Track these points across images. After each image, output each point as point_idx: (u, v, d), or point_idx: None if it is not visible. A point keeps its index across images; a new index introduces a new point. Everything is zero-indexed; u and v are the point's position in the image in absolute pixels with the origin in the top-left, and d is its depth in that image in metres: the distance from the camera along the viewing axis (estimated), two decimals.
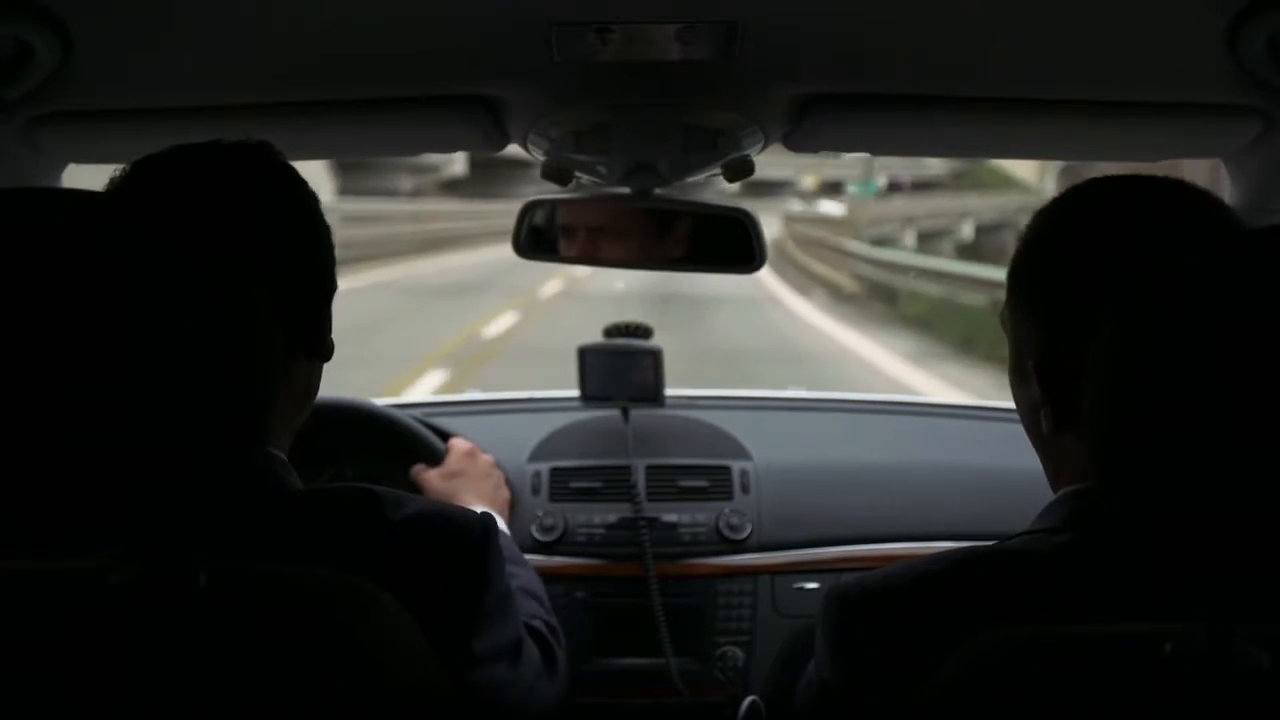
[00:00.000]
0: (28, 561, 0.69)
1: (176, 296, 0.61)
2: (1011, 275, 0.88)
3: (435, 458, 1.52)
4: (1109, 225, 0.83)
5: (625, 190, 1.29)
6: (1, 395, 0.58)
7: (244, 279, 0.65)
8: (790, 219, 29.22)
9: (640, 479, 1.65)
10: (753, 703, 1.40)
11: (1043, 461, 0.89)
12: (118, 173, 0.90)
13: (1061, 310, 0.82)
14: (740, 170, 1.24)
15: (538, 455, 1.72)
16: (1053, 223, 0.87)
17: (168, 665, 0.64)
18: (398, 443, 1.55)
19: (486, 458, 1.54)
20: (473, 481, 1.48)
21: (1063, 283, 0.83)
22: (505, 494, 1.54)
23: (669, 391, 1.78)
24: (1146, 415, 0.61)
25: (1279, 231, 0.62)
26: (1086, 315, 0.74)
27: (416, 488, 1.48)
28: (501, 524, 1.28)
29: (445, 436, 1.58)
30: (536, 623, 1.00)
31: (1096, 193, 0.86)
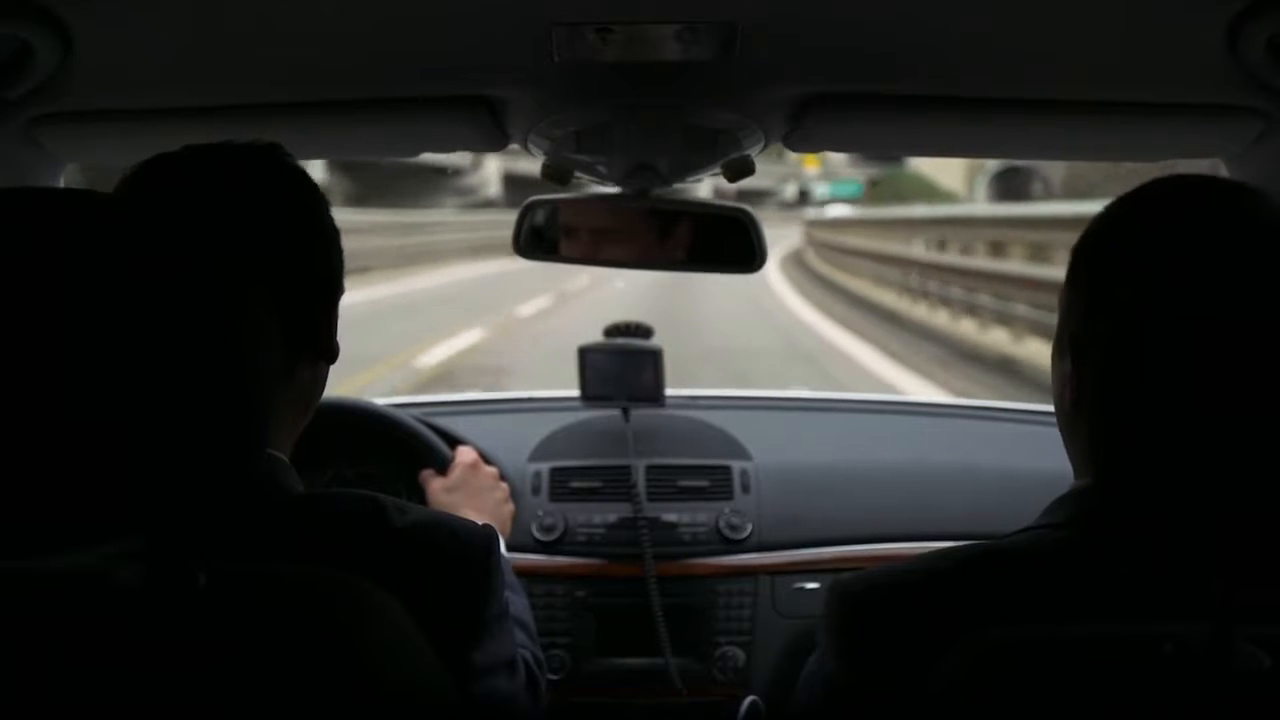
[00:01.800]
0: (28, 561, 0.69)
1: (174, 296, 0.61)
2: (1072, 252, 0.89)
3: (439, 462, 1.51)
4: (1153, 219, 0.83)
5: (625, 190, 1.29)
6: (2, 394, 0.58)
7: (243, 279, 0.65)
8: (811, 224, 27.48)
9: (640, 479, 1.65)
10: (753, 703, 1.40)
11: (1066, 447, 0.89)
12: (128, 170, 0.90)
13: (1093, 289, 0.83)
14: (740, 170, 1.25)
15: (538, 455, 1.72)
16: (1115, 209, 0.87)
17: (168, 665, 0.64)
18: (400, 445, 1.55)
19: (491, 470, 1.53)
20: (474, 495, 1.47)
21: (1099, 264, 0.84)
22: (509, 509, 1.52)
23: (669, 391, 1.78)
24: (1143, 413, 0.61)
25: (1277, 230, 0.62)
26: (1108, 300, 0.74)
27: (417, 489, 1.48)
28: (502, 544, 1.28)
29: (452, 442, 1.58)
30: (525, 653, 0.99)
31: (1160, 187, 0.86)
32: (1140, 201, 0.85)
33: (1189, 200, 0.83)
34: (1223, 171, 1.19)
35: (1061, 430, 0.89)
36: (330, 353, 0.93)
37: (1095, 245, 0.86)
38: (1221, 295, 0.60)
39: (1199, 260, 0.63)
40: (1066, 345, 0.85)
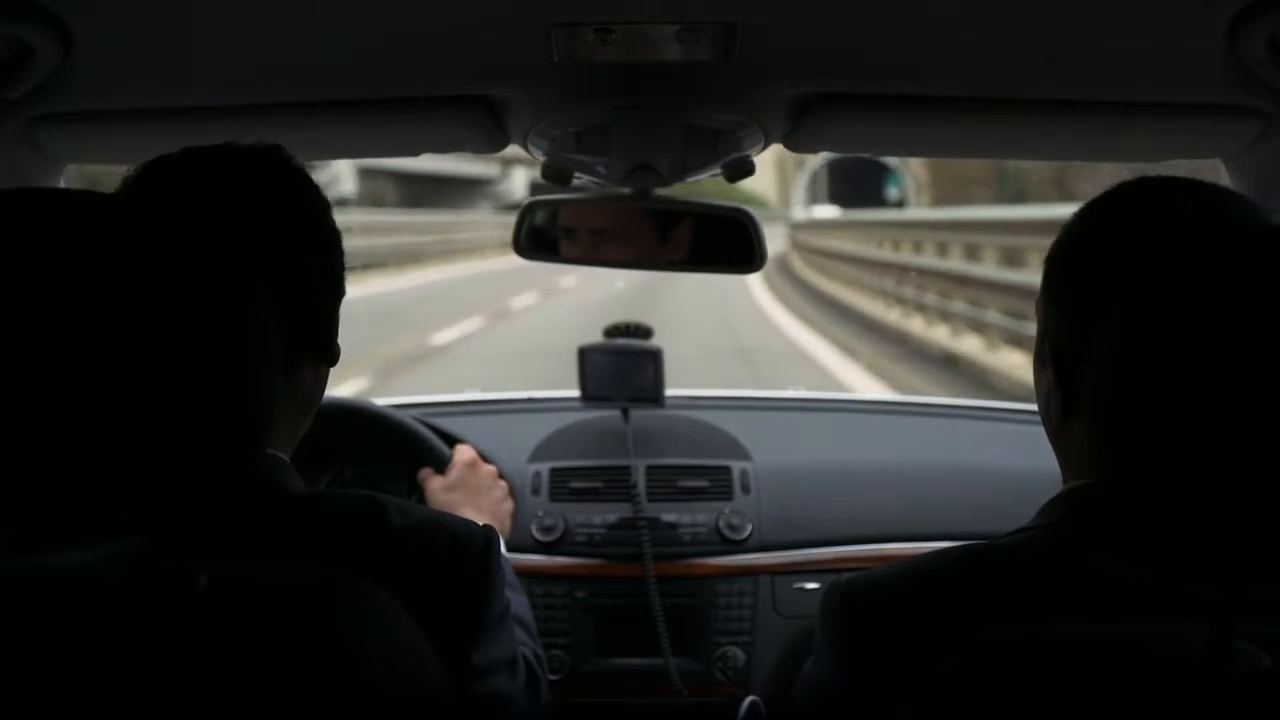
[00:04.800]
0: (27, 560, 0.69)
1: (174, 297, 0.61)
2: (1046, 262, 0.89)
3: (439, 462, 1.51)
4: (1135, 222, 0.83)
5: (625, 190, 1.29)
6: (2, 394, 0.58)
7: (244, 280, 0.65)
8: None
9: (640, 479, 1.65)
10: (753, 703, 1.40)
11: (1055, 451, 0.89)
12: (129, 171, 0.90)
13: (1079, 298, 0.83)
14: (740, 170, 1.25)
15: (538, 455, 1.72)
16: (1088, 215, 0.87)
17: (167, 665, 0.64)
18: (400, 445, 1.55)
19: (490, 469, 1.53)
20: (473, 494, 1.46)
21: (1082, 271, 0.84)
22: (508, 507, 1.52)
23: (669, 391, 1.78)
24: (1146, 414, 0.61)
25: (1275, 231, 0.62)
26: (1100, 306, 0.75)
27: (417, 489, 1.48)
28: (501, 543, 1.28)
29: (451, 441, 1.58)
30: (526, 651, 0.99)
31: (1134, 189, 0.87)
32: (1116, 207, 0.86)
33: (1169, 202, 0.84)
34: (1223, 171, 1.19)
35: (1050, 436, 0.89)
36: (331, 355, 0.93)
37: (1072, 254, 0.86)
38: (1220, 296, 0.60)
39: (1195, 262, 0.63)
40: (1048, 356, 0.85)
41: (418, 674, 0.75)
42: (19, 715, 0.63)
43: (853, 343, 10.74)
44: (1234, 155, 1.15)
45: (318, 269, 0.91)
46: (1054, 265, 0.87)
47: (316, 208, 0.92)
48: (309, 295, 0.90)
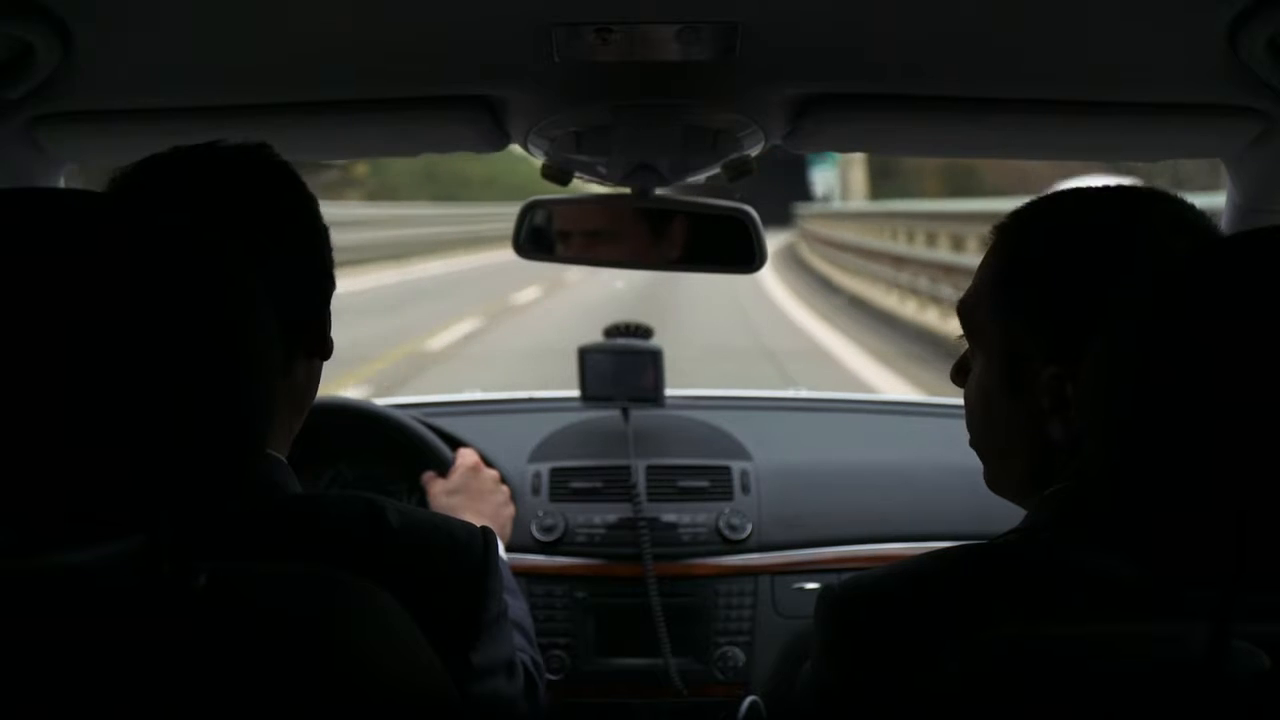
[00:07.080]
0: (28, 561, 0.69)
1: (175, 296, 0.61)
2: (1003, 284, 0.87)
3: (440, 464, 1.51)
4: (1113, 228, 0.83)
5: (625, 190, 1.29)
6: (2, 394, 0.58)
7: (244, 278, 0.65)
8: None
9: (640, 479, 1.65)
10: (753, 703, 1.40)
11: (1025, 470, 0.87)
12: (118, 172, 0.90)
13: (1063, 311, 0.82)
14: (740, 170, 1.25)
15: (538, 455, 1.73)
16: (1048, 228, 0.86)
17: (167, 665, 0.64)
18: (401, 446, 1.55)
19: (492, 473, 1.53)
20: (475, 498, 1.47)
21: (1064, 285, 0.83)
22: (509, 511, 1.52)
23: (669, 391, 1.79)
24: (1146, 415, 0.61)
25: (1275, 232, 0.62)
26: (1090, 315, 0.74)
27: (418, 491, 1.48)
28: (501, 547, 1.28)
29: (454, 443, 1.58)
30: (524, 656, 0.99)
31: (1088, 197, 0.86)
32: (1085, 219, 0.85)
33: (1133, 208, 0.84)
34: (1223, 171, 1.19)
35: (1025, 458, 0.86)
36: (325, 350, 0.93)
37: (1046, 270, 0.84)
38: (1219, 297, 0.60)
39: (1193, 263, 0.63)
40: (1036, 381, 0.83)
41: (417, 675, 0.75)
42: (19, 716, 0.63)
43: None
44: (1234, 155, 1.15)
45: (310, 264, 0.91)
46: (1025, 286, 0.85)
47: (304, 204, 0.92)
48: (302, 290, 0.90)
